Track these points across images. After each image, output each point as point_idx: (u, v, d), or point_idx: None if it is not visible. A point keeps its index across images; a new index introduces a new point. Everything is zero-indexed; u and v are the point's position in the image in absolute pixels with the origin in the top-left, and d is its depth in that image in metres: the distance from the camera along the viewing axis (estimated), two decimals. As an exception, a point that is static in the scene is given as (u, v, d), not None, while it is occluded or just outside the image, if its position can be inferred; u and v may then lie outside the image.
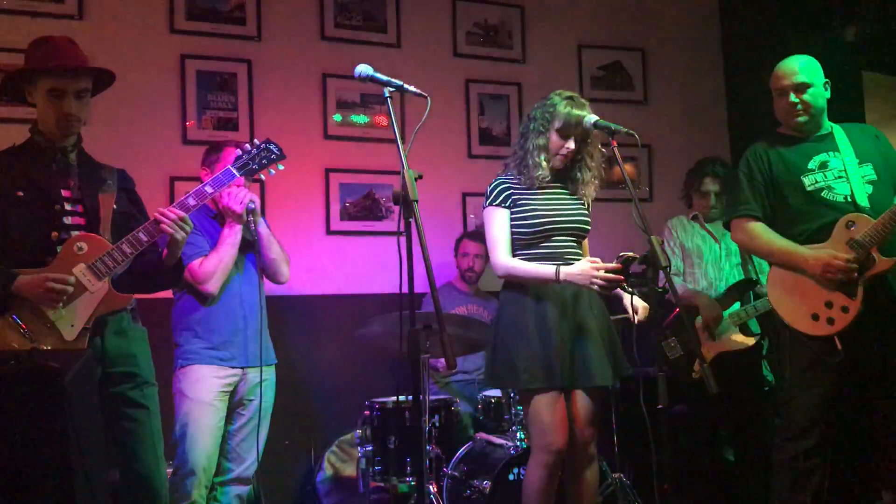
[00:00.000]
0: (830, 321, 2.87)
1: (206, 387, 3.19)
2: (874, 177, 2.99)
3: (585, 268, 2.77)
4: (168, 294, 3.27)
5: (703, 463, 3.97)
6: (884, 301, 2.89)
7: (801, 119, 3.04)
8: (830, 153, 3.03)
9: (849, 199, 2.95)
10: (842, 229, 2.89)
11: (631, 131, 2.76)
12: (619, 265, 2.72)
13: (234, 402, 3.29)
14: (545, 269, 2.85)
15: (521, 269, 2.89)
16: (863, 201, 2.93)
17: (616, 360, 2.95)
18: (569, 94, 2.97)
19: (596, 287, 2.76)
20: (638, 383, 3.05)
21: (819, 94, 3.05)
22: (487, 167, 3.52)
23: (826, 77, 3.09)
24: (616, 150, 2.75)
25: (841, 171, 2.98)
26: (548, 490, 2.85)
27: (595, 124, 2.85)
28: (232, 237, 3.23)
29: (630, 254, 2.71)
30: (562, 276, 2.80)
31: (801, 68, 3.04)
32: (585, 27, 5.18)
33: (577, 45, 5.15)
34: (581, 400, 2.91)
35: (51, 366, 1.65)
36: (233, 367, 3.24)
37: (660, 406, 2.50)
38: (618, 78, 5.24)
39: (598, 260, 2.78)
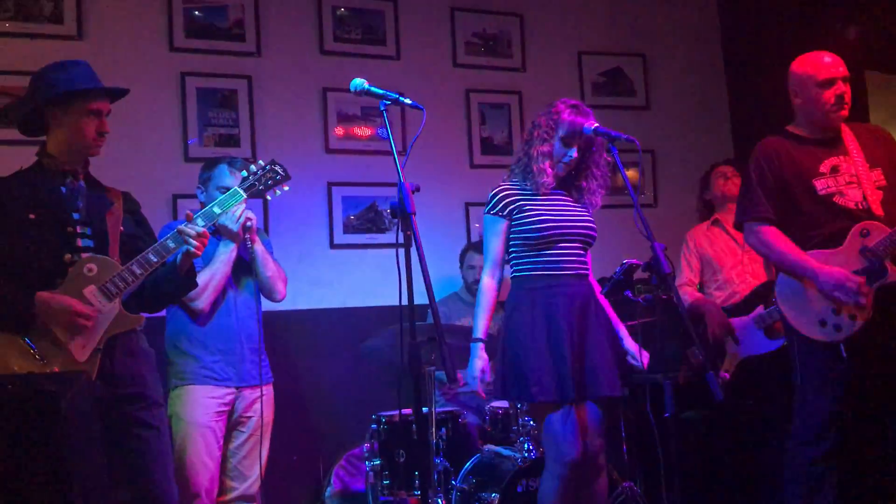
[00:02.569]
0: (837, 328, 2.82)
1: (201, 409, 3.17)
2: (884, 182, 2.93)
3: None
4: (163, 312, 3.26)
5: (725, 469, 3.92)
6: (893, 312, 2.83)
7: (842, 114, 2.96)
8: (841, 156, 2.97)
9: (860, 206, 2.89)
10: (855, 237, 2.83)
11: (631, 138, 2.75)
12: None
13: (232, 421, 3.27)
14: (481, 324, 2.90)
15: (479, 309, 2.93)
16: (875, 208, 2.87)
17: (623, 370, 2.92)
18: (574, 102, 2.95)
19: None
20: (645, 391, 3.03)
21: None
22: (490, 177, 3.52)
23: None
24: (617, 156, 2.74)
25: (852, 175, 2.92)
26: (564, 502, 2.82)
27: (595, 131, 2.84)
28: (226, 255, 3.22)
29: (634, 261, 2.70)
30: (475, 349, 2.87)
31: (841, 62, 2.96)
32: (585, 34, 5.17)
33: (577, 52, 5.14)
34: (589, 410, 2.87)
35: (47, 390, 1.64)
36: (227, 387, 3.23)
37: (666, 415, 2.48)
38: (619, 84, 5.23)
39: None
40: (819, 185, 2.93)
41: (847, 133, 3.02)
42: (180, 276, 2.68)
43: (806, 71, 2.98)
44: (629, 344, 2.95)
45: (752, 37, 5.20)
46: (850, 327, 2.80)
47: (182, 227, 2.59)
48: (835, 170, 2.95)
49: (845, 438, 2.88)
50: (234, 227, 3.17)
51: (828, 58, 2.98)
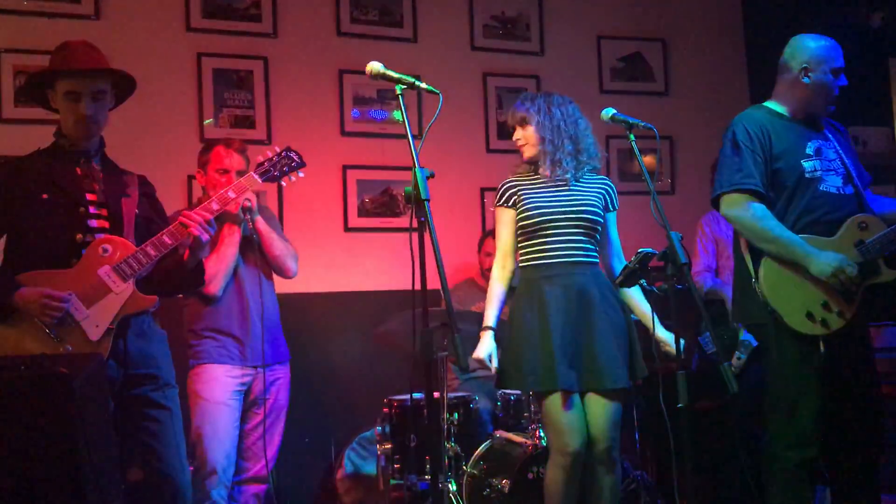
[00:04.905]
0: (825, 323, 2.70)
1: (219, 387, 3.20)
2: (854, 171, 2.87)
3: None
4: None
5: (735, 460, 3.90)
6: (876, 311, 2.76)
7: (833, 108, 2.90)
8: (822, 141, 2.88)
9: (840, 191, 2.80)
10: (853, 228, 2.75)
11: (649, 125, 2.72)
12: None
13: (249, 401, 3.30)
14: (490, 314, 2.93)
15: (488, 298, 2.98)
16: (854, 195, 2.81)
17: (633, 361, 2.90)
18: (527, 94, 3.07)
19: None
20: (658, 381, 3.00)
21: None
22: (506, 161, 3.50)
23: (852, 64, 2.98)
24: (634, 143, 2.70)
25: (831, 160, 2.85)
26: (567, 491, 2.81)
27: (612, 118, 2.81)
28: (230, 237, 3.24)
29: (649, 250, 2.66)
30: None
31: None
32: (604, 18, 5.11)
33: (596, 36, 5.08)
34: (594, 404, 2.85)
35: (60, 371, 1.64)
36: (245, 367, 3.25)
37: (679, 405, 2.46)
38: (638, 69, 5.17)
39: None
40: (807, 166, 2.82)
41: (824, 122, 2.96)
42: (188, 271, 2.68)
43: (828, 53, 2.87)
44: (661, 332, 2.93)
45: (775, 23, 5.11)
46: (837, 324, 2.70)
47: (186, 213, 2.58)
48: (819, 152, 2.85)
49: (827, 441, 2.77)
50: (232, 209, 3.16)
51: (838, 45, 2.90)
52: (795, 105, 2.93)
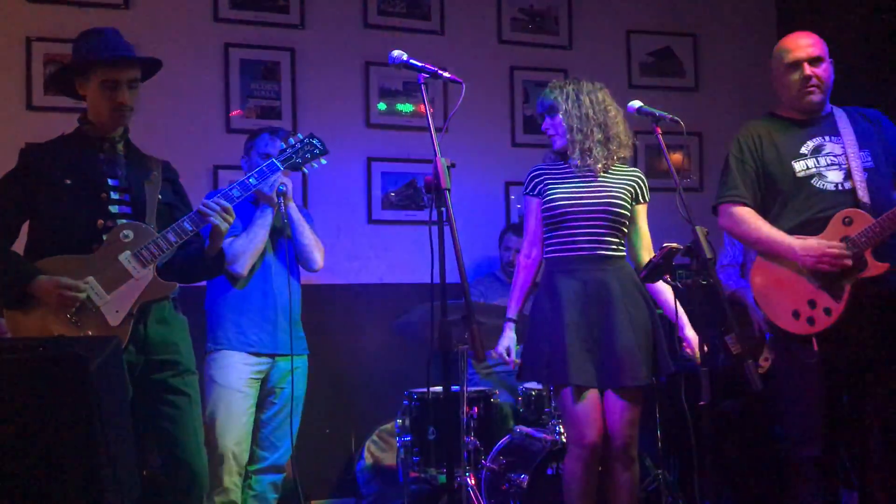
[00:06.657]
0: (811, 321, 2.67)
1: (235, 373, 3.21)
2: (871, 164, 2.79)
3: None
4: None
5: (759, 458, 3.85)
6: (867, 306, 2.68)
7: (814, 98, 2.83)
8: (827, 137, 2.83)
9: (840, 188, 2.75)
10: (838, 224, 2.69)
11: (676, 118, 2.68)
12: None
13: (266, 390, 3.30)
14: (512, 305, 2.97)
15: (512, 288, 3.02)
16: (861, 191, 2.73)
17: (657, 358, 2.85)
18: (556, 82, 3.01)
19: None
20: (681, 379, 2.96)
21: (829, 71, 2.86)
22: (532, 156, 3.48)
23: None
24: (660, 137, 2.66)
25: (836, 156, 2.79)
26: (585, 484, 2.78)
27: (639, 110, 2.77)
28: (262, 218, 3.25)
29: (674, 245, 2.62)
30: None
31: (814, 42, 2.84)
32: (634, 12, 5.05)
33: (625, 30, 5.02)
34: (612, 401, 2.81)
35: (77, 353, 1.65)
36: (261, 355, 3.25)
37: (702, 403, 2.42)
38: (668, 64, 5.10)
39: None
40: (798, 166, 2.81)
41: (840, 114, 2.90)
42: (210, 259, 2.68)
43: (777, 53, 2.90)
44: (686, 333, 2.90)
45: (808, 17, 5.02)
46: (824, 321, 2.66)
47: (204, 202, 2.58)
48: (817, 150, 2.81)
49: (835, 437, 2.77)
50: (268, 191, 3.20)
51: (800, 39, 2.87)
52: (787, 108, 2.95)
